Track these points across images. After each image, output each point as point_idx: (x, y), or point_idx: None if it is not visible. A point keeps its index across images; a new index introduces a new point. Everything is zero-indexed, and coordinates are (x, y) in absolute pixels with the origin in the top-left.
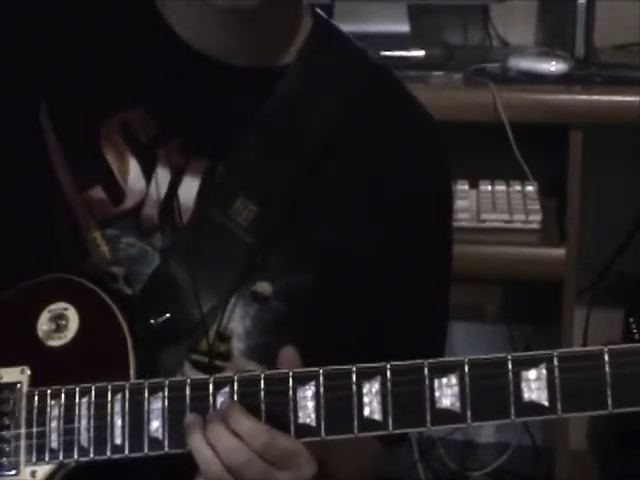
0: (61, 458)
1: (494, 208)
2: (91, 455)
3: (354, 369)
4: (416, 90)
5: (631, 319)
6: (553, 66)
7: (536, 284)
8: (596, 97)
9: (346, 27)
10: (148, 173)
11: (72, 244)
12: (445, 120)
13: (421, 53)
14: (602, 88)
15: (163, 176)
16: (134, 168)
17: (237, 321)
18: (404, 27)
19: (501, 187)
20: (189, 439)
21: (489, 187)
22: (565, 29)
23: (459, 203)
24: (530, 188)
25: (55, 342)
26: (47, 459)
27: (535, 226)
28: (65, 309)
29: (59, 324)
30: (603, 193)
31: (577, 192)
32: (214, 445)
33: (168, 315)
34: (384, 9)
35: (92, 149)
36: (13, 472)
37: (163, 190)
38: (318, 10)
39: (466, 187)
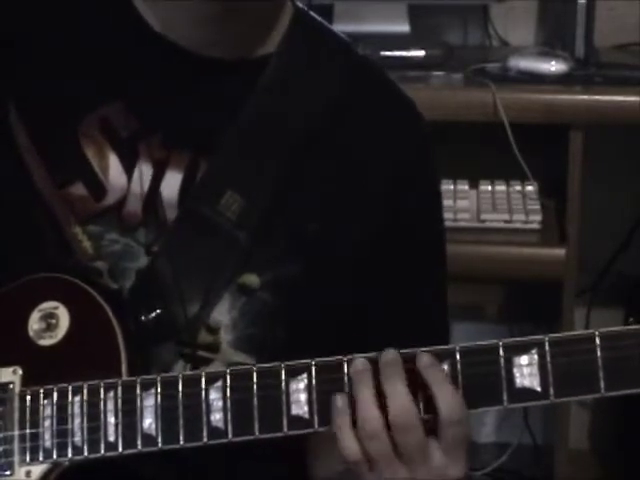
0: (55, 457)
1: (494, 208)
2: (85, 454)
3: (346, 360)
4: (416, 90)
5: (631, 319)
6: (553, 66)
7: (536, 284)
8: (596, 97)
9: (346, 27)
10: (129, 168)
11: (55, 242)
12: (445, 120)
13: (421, 53)
14: (602, 88)
15: (145, 171)
16: (114, 164)
17: (224, 313)
18: (404, 27)
19: (501, 187)
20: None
21: (489, 187)
22: (565, 29)
23: (459, 203)
24: (530, 188)
25: (46, 341)
26: (41, 459)
27: (535, 226)
28: (55, 308)
29: (49, 323)
30: (603, 193)
31: (577, 192)
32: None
33: (159, 311)
34: (384, 9)
35: (70, 146)
36: (8, 472)
37: (145, 185)
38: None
39: (466, 187)
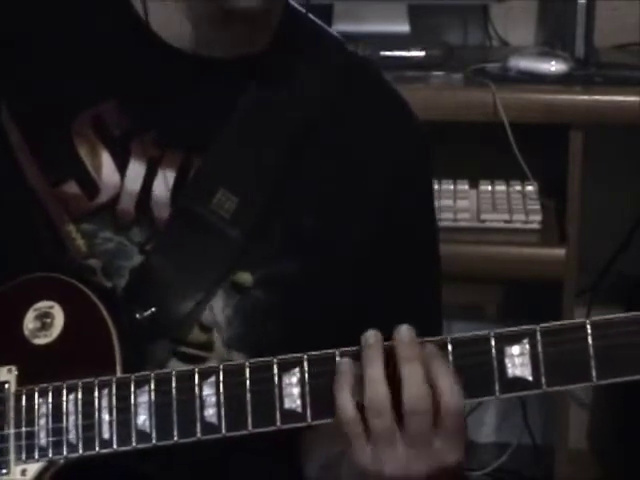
0: (50, 456)
1: (494, 208)
2: (80, 451)
3: (338, 353)
4: (416, 90)
5: None
6: (553, 66)
7: (536, 284)
8: (596, 97)
9: (346, 27)
10: (122, 167)
11: (49, 240)
12: (445, 120)
13: (421, 53)
14: (602, 88)
15: (137, 169)
16: (107, 162)
17: (218, 311)
18: (404, 27)
19: (501, 187)
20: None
21: (489, 187)
22: (565, 29)
23: (459, 203)
24: (530, 188)
25: (41, 340)
26: (37, 457)
27: (535, 226)
28: (50, 307)
29: (44, 322)
30: (603, 193)
31: (577, 192)
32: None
33: (153, 309)
34: (384, 9)
35: (63, 145)
36: (4, 471)
37: (138, 183)
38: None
39: (466, 187)
